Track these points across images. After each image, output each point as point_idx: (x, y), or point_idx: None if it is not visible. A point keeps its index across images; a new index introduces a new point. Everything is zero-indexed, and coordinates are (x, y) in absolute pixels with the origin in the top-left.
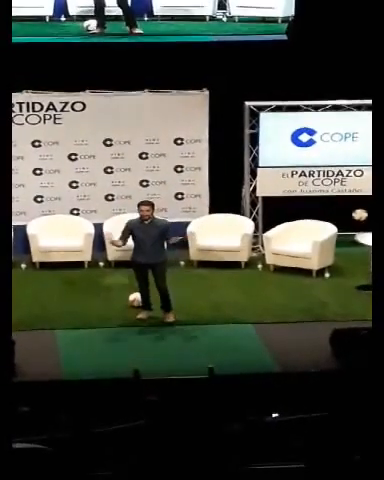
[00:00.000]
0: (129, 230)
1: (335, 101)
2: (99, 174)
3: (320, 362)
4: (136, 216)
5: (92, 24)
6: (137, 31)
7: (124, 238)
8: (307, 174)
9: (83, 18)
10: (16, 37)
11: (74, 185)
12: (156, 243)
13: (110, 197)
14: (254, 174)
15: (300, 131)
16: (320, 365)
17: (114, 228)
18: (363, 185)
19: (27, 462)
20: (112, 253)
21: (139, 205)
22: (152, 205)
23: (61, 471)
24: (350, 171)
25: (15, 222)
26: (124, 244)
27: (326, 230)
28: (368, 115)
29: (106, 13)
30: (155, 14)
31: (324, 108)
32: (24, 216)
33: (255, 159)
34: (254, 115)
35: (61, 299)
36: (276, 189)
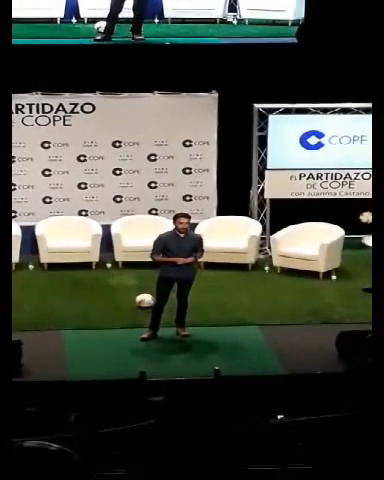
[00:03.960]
0: (162, 244)
1: (344, 104)
2: (108, 175)
3: (326, 364)
4: (146, 216)
5: (103, 26)
6: (139, 37)
7: (159, 253)
8: (315, 177)
9: (94, 20)
10: (27, 39)
11: (83, 186)
12: (189, 257)
13: (118, 198)
14: (262, 176)
15: (309, 134)
16: (326, 367)
17: (122, 229)
18: (371, 188)
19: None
20: (119, 254)
21: (177, 217)
22: (189, 217)
23: (67, 471)
24: (358, 174)
25: (23, 223)
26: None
27: (333, 233)
28: None
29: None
30: (166, 16)
31: (333, 111)
32: (33, 217)
33: (263, 161)
34: (263, 117)
35: (68, 300)
36: (284, 191)
